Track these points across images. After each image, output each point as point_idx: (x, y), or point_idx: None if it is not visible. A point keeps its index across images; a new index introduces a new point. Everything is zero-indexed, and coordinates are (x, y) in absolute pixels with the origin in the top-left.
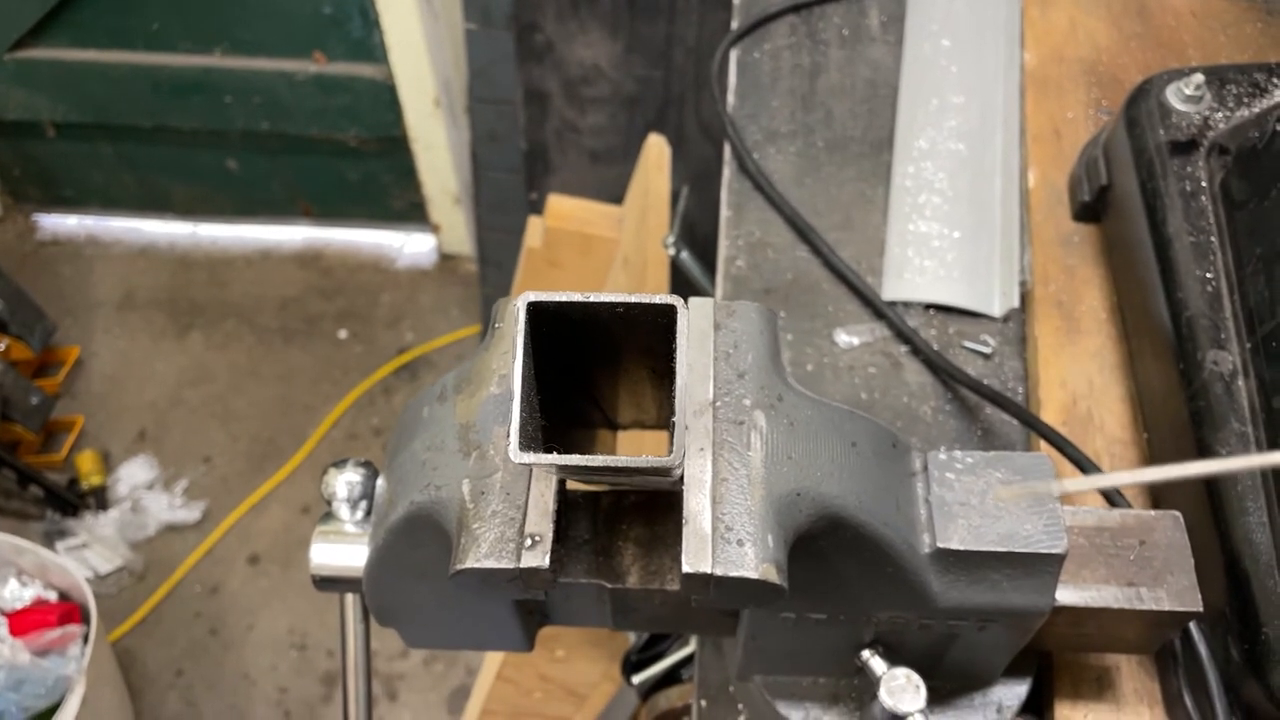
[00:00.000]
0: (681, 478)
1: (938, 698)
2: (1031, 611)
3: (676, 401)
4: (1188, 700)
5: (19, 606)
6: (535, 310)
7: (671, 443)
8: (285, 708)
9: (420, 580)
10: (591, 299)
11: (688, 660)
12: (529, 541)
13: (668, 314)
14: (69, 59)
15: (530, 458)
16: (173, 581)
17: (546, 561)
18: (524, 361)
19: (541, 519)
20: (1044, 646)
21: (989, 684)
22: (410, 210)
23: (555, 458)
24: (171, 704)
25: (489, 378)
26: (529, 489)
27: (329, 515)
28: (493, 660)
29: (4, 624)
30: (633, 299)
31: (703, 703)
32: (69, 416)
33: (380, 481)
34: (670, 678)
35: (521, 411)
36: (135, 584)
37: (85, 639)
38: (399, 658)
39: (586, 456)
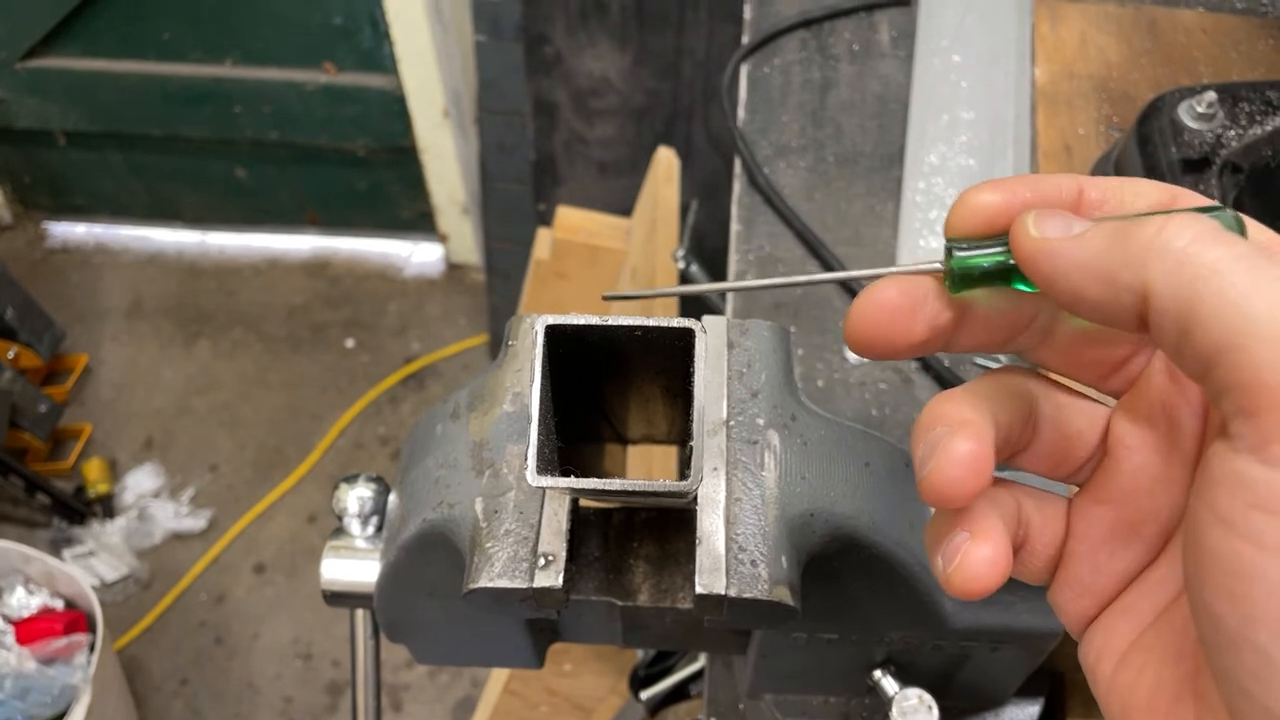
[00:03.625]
0: (695, 497)
1: (949, 717)
2: (1044, 633)
3: (694, 426)
4: None
5: (25, 615)
6: (551, 332)
7: (686, 465)
8: (289, 717)
9: (432, 597)
10: (610, 322)
11: (696, 676)
12: (542, 561)
13: (685, 337)
14: (80, 68)
15: (548, 481)
16: (178, 590)
17: (560, 581)
18: (541, 384)
19: (555, 538)
20: (1056, 667)
21: (1001, 704)
22: (418, 220)
23: (572, 481)
24: (176, 713)
25: (502, 395)
26: (542, 508)
27: (340, 530)
28: (500, 673)
29: (10, 632)
30: (651, 322)
31: None
32: (77, 424)
33: (392, 497)
34: (678, 693)
35: (539, 434)
36: (141, 592)
37: (91, 648)
38: (404, 668)
39: (604, 480)
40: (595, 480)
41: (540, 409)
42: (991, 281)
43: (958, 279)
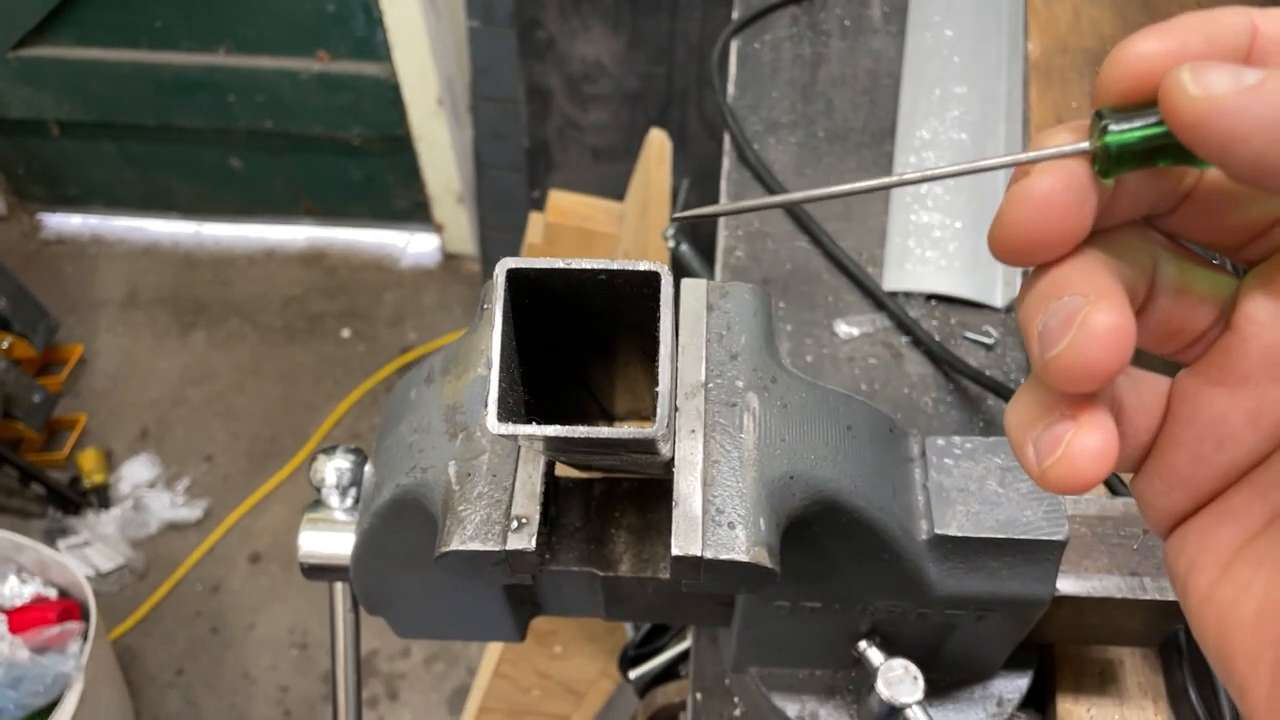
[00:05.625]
0: (672, 461)
1: (936, 690)
2: (1032, 601)
3: (661, 370)
4: (1192, 694)
5: (18, 604)
6: (518, 280)
7: (655, 415)
8: (285, 706)
9: (408, 566)
10: (573, 265)
11: (685, 655)
12: (515, 524)
13: (652, 282)
14: (73, 57)
15: (509, 428)
16: (174, 580)
17: (533, 544)
18: (504, 330)
19: (529, 501)
20: (1045, 638)
21: (989, 676)
22: (413, 209)
23: (534, 429)
24: (171, 703)
25: (476, 359)
26: (516, 471)
27: (318, 503)
28: (490, 657)
29: (3, 621)
30: (615, 265)
31: (698, 696)
32: (71, 415)
33: (368, 467)
34: (668, 673)
35: (501, 382)
36: (136, 582)
37: (84, 636)
38: (400, 657)
39: (568, 428)
40: (559, 427)
41: (503, 356)
42: (1154, 160)
43: (1113, 160)
